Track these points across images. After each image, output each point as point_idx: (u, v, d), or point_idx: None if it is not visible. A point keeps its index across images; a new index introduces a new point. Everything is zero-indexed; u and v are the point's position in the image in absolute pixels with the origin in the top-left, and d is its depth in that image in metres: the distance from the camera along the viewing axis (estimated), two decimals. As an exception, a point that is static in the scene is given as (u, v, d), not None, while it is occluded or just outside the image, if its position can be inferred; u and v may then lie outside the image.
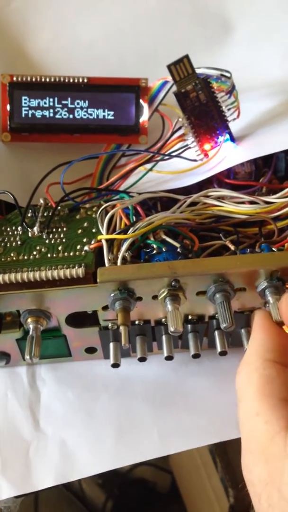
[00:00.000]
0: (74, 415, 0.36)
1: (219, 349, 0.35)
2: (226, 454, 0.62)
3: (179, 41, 0.52)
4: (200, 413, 0.36)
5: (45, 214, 0.38)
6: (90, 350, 0.38)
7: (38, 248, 0.36)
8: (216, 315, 0.36)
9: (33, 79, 0.43)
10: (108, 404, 0.37)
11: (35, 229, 0.37)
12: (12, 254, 0.36)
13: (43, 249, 0.36)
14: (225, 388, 0.36)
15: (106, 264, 0.34)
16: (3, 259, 0.36)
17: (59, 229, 0.37)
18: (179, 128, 0.41)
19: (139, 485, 0.68)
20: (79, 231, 0.37)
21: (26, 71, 0.47)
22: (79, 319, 0.36)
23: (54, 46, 0.51)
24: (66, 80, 0.43)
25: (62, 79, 0.43)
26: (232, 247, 0.36)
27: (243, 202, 0.39)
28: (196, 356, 0.35)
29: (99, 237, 0.36)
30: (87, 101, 0.43)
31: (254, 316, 0.34)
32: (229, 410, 0.35)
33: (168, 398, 0.37)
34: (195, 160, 0.41)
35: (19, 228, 0.38)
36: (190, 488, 0.68)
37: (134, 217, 0.37)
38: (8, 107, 0.43)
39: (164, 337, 0.36)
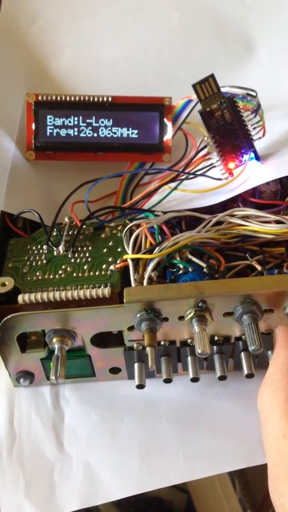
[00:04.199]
0: (98, 437, 0.36)
1: (245, 371, 0.35)
2: (245, 474, 0.61)
3: (201, 60, 0.52)
4: (227, 436, 0.35)
5: (70, 233, 0.38)
6: (114, 371, 0.37)
7: (63, 267, 0.36)
8: (243, 336, 0.35)
9: (58, 98, 0.44)
10: (132, 426, 0.36)
11: (60, 248, 0.37)
12: (37, 273, 0.36)
13: (68, 268, 0.36)
14: (252, 411, 0.35)
15: (132, 284, 0.34)
16: (28, 278, 0.36)
17: (84, 248, 0.37)
18: (204, 147, 0.41)
19: (155, 504, 0.67)
20: (104, 250, 0.37)
21: (49, 89, 0.48)
22: (104, 339, 0.35)
23: (76, 65, 0.51)
24: (91, 99, 0.44)
25: (86, 98, 0.44)
26: (259, 268, 0.36)
27: (268, 222, 0.38)
28: (222, 378, 0.35)
29: (125, 256, 0.36)
30: (111, 120, 0.44)
31: (277, 333, 0.33)
32: (256, 434, 0.35)
33: (193, 421, 0.36)
34: (220, 179, 0.41)
35: (44, 247, 0.38)
36: (207, 509, 0.67)
37: (159, 237, 0.37)
38: (33, 126, 0.44)
39: (189, 358, 0.36)
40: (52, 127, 0.44)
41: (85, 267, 0.36)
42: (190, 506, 0.67)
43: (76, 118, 0.43)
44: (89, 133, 0.44)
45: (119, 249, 0.37)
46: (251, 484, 0.60)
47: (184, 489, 0.67)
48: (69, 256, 0.37)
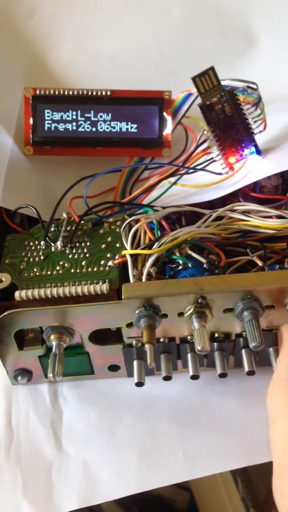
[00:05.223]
0: (97, 435, 0.35)
1: (246, 368, 0.34)
2: (247, 472, 0.61)
3: (201, 53, 0.51)
4: (227, 435, 0.35)
5: (68, 229, 0.38)
6: (113, 368, 0.37)
7: (61, 263, 0.36)
8: (244, 333, 0.35)
9: (56, 92, 0.43)
10: (131, 424, 0.36)
11: (58, 243, 0.37)
12: (35, 269, 0.35)
13: (66, 264, 0.36)
14: (253, 409, 0.35)
15: (131, 280, 0.34)
16: (26, 274, 0.35)
17: (83, 244, 0.37)
18: (204, 141, 0.40)
19: (157, 503, 0.67)
20: (103, 246, 0.37)
21: (48, 84, 0.47)
22: (102, 336, 0.35)
23: (75, 59, 0.51)
24: (89, 93, 0.43)
25: (85, 92, 0.43)
26: (259, 263, 0.35)
27: (270, 217, 0.38)
28: (223, 375, 0.34)
29: (124, 252, 0.35)
30: (110, 114, 0.43)
31: (282, 331, 0.33)
32: (257, 432, 0.34)
33: (193, 419, 0.36)
34: (220, 174, 0.40)
35: (42, 242, 0.37)
36: (209, 507, 0.67)
37: (158, 232, 0.36)
38: (31, 121, 0.43)
39: (189, 355, 0.35)
40: (50, 121, 0.43)
41: (83, 263, 0.35)
42: (192, 505, 0.66)
43: (74, 113, 0.43)
44: (88, 128, 0.43)
45: (117, 245, 0.36)
46: (253, 482, 0.60)
47: (186, 488, 0.66)
48: (67, 252, 0.36)
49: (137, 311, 0.32)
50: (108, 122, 0.43)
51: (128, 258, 0.35)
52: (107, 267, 0.35)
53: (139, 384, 0.34)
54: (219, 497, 0.63)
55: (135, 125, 0.43)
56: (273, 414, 0.29)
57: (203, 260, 0.35)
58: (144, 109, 0.43)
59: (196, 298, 0.32)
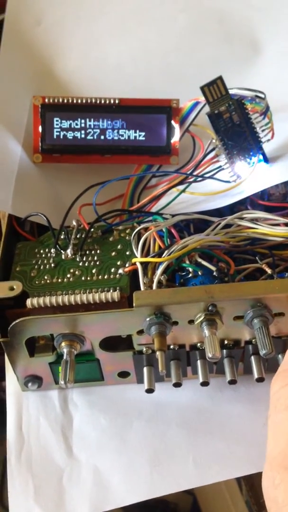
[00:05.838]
0: (107, 442, 0.36)
1: (256, 375, 0.35)
2: (251, 477, 0.61)
3: (207, 61, 0.51)
4: (237, 441, 0.35)
5: (78, 236, 0.38)
6: (123, 375, 0.37)
7: (72, 271, 0.36)
8: (253, 340, 0.35)
9: (65, 101, 0.43)
10: (141, 431, 0.36)
11: (68, 251, 0.37)
12: (46, 277, 0.36)
13: (77, 272, 0.36)
14: (262, 416, 0.35)
15: (142, 288, 0.34)
16: (37, 282, 0.35)
17: (93, 252, 0.37)
18: (212, 149, 0.41)
19: (160, 507, 0.67)
20: (113, 253, 0.37)
21: (55, 92, 0.47)
22: (112, 343, 0.35)
23: (82, 67, 0.51)
24: (98, 102, 0.43)
25: (93, 101, 0.43)
26: (269, 271, 0.36)
27: (278, 224, 0.38)
28: (232, 382, 0.35)
29: (134, 260, 0.36)
30: (118, 122, 0.43)
31: None
32: (266, 438, 0.34)
33: (203, 425, 0.36)
34: (228, 182, 0.40)
35: (52, 250, 0.37)
36: (213, 511, 0.67)
37: (168, 240, 0.36)
38: (40, 129, 0.44)
39: (199, 362, 0.35)
40: (59, 129, 0.43)
41: (94, 270, 0.36)
42: (196, 509, 0.66)
43: (83, 121, 0.43)
44: (96, 136, 0.43)
45: (127, 253, 0.37)
46: (257, 486, 0.60)
47: (190, 492, 0.66)
48: (77, 259, 0.37)
49: (148, 319, 0.33)
50: (116, 130, 0.43)
51: (139, 266, 0.35)
52: (118, 275, 0.35)
53: (149, 390, 0.34)
54: (223, 501, 0.63)
55: (143, 133, 0.44)
56: (277, 402, 0.28)
57: (212, 268, 0.35)
58: (152, 117, 0.43)
59: (206, 305, 0.32)
